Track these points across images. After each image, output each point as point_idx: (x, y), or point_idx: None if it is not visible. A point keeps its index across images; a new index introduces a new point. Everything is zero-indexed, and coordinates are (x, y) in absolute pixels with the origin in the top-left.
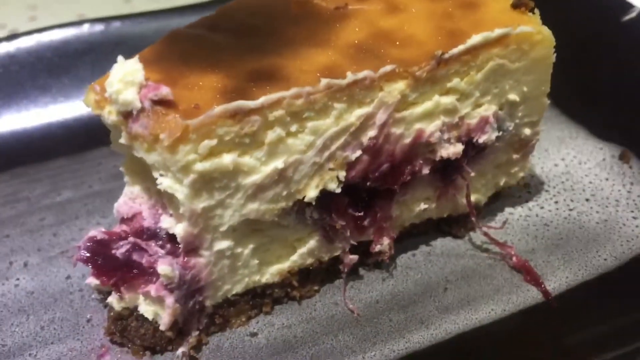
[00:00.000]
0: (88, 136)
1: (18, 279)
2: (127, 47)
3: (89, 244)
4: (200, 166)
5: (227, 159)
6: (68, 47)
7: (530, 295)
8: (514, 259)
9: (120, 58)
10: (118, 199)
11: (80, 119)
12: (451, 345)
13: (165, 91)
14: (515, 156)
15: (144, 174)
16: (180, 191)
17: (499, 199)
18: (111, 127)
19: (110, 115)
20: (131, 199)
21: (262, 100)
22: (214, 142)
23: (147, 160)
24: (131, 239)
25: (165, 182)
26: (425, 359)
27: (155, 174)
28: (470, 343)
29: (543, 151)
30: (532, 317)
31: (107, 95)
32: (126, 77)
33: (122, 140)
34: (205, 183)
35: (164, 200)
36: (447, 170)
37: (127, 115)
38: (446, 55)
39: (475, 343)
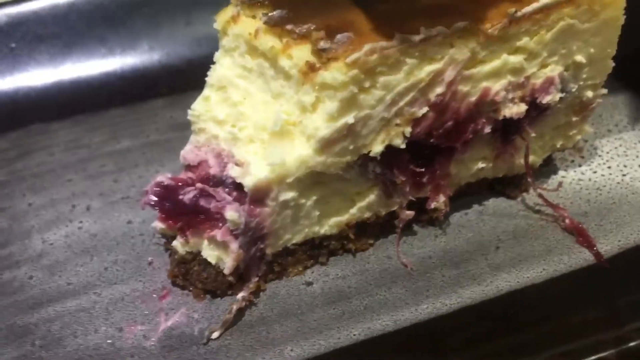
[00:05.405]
0: (144, 87)
1: (81, 222)
2: (184, 0)
3: (156, 188)
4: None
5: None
6: None
7: (582, 257)
8: (567, 220)
9: None
10: (175, 149)
11: (136, 70)
12: (502, 302)
13: None
14: (574, 118)
15: None
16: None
17: (552, 163)
18: None
19: None
20: (197, 147)
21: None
22: None
23: None
24: (199, 185)
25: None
26: (476, 314)
27: None
28: (522, 301)
29: (597, 116)
30: (584, 278)
31: None
32: None
33: None
34: None
35: (231, 150)
36: (507, 130)
37: None
38: (519, 14)
39: (526, 301)
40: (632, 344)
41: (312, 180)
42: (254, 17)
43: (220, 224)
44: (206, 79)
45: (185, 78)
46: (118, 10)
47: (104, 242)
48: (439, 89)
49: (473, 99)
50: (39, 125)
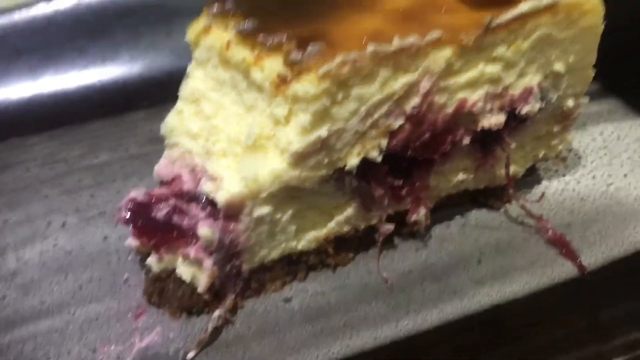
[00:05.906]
0: (124, 99)
1: (57, 239)
2: (165, 10)
3: (130, 205)
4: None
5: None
6: (106, 10)
7: (565, 270)
8: (550, 232)
9: None
10: (154, 162)
11: (116, 82)
12: (484, 317)
13: None
14: (556, 128)
15: None
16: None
17: (536, 172)
18: None
19: None
20: (171, 162)
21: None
22: None
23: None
24: (172, 201)
25: None
26: (458, 329)
27: None
28: (504, 315)
29: (581, 125)
30: (567, 291)
31: None
32: None
33: None
34: None
35: (205, 165)
36: (487, 141)
37: None
38: (494, 23)
39: (508, 315)
40: None
41: (287, 195)
42: (225, 28)
43: (194, 241)
44: (179, 92)
45: (166, 90)
46: (98, 22)
47: (79, 259)
48: (415, 100)
49: (450, 110)
50: (16, 140)
